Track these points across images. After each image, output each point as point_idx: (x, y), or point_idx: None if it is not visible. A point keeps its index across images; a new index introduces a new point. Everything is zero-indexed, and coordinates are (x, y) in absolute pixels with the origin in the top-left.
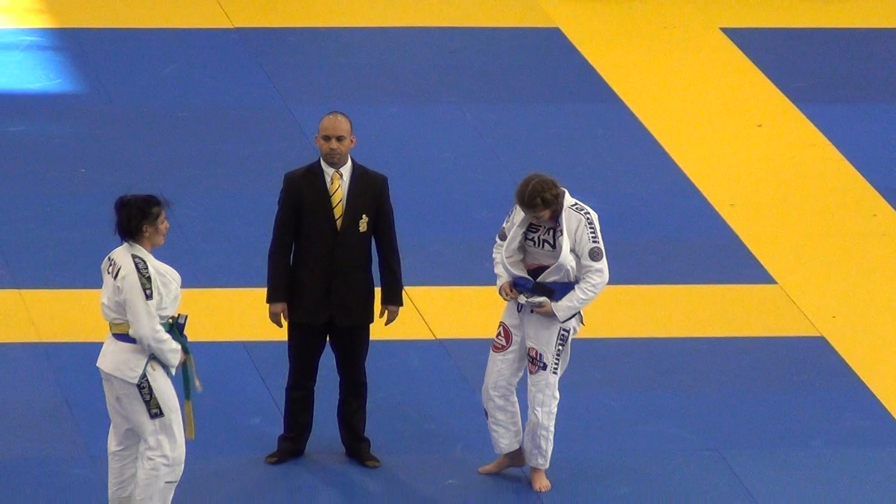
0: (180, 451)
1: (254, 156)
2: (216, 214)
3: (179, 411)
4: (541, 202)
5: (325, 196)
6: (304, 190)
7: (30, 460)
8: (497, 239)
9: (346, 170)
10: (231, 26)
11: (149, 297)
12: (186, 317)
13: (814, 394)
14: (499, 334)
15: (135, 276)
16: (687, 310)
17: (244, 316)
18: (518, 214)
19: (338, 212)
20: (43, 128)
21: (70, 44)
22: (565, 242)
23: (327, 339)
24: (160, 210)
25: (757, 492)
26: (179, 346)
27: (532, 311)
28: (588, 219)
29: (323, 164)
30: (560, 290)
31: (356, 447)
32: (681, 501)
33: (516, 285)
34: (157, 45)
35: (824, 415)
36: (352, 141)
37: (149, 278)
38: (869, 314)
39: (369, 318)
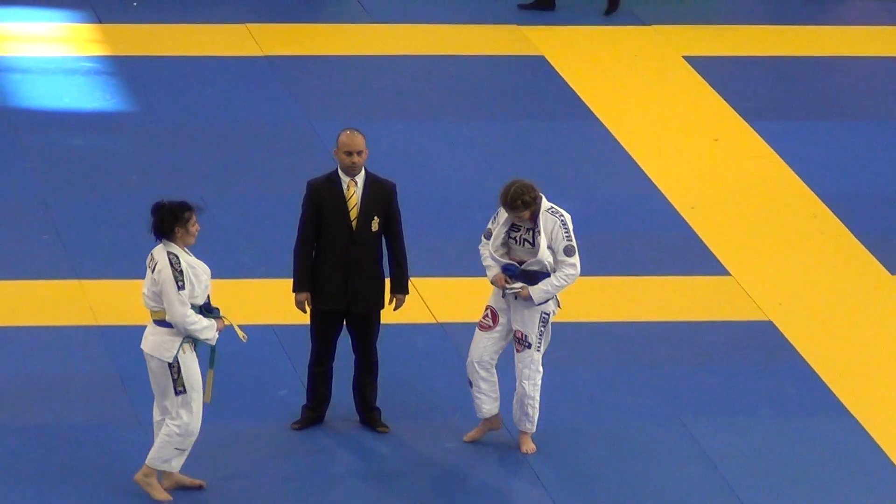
0: (195, 424)
1: (281, 165)
2: (249, 215)
3: (201, 391)
4: (521, 204)
5: (343, 201)
6: (324, 195)
7: (88, 426)
8: (483, 238)
9: (360, 178)
10: (262, 54)
11: (180, 287)
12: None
13: (762, 370)
14: (486, 315)
15: (168, 270)
16: (652, 297)
17: (273, 303)
18: (502, 216)
19: (353, 214)
20: (100, 141)
21: (123, 69)
22: (542, 241)
23: (344, 322)
24: (191, 214)
25: (712, 453)
26: (211, 323)
27: (515, 298)
28: (562, 220)
29: (341, 173)
30: (542, 277)
31: (369, 415)
32: (647, 461)
33: (505, 270)
34: (197, 70)
35: (771, 388)
36: (366, 153)
37: (181, 272)
38: (810, 301)
39: (380, 305)
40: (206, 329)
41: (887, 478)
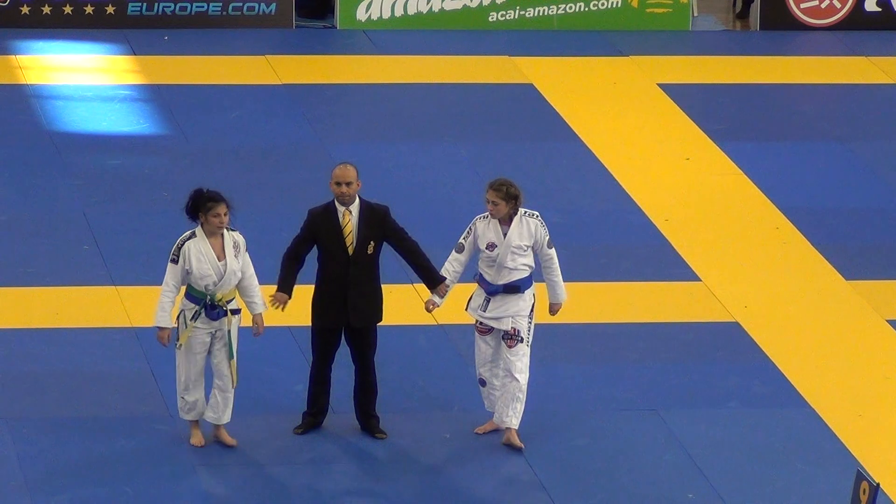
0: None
1: (297, 182)
2: (268, 227)
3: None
4: (505, 190)
5: (339, 230)
6: (321, 224)
7: (123, 418)
8: (454, 251)
9: (355, 207)
10: (280, 83)
11: (173, 261)
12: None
13: (730, 366)
14: (479, 322)
15: (177, 242)
16: (631, 301)
17: (289, 306)
18: (476, 229)
19: (349, 241)
20: (135, 161)
21: (156, 96)
22: (515, 238)
23: (343, 336)
24: (213, 205)
25: (686, 441)
26: (168, 321)
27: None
28: (541, 220)
29: (336, 203)
30: (523, 284)
31: (367, 423)
32: (628, 449)
33: (491, 293)
34: (222, 97)
35: (738, 382)
36: (358, 184)
37: (180, 248)
38: (773, 304)
39: (377, 319)
40: (161, 315)
41: (841, 459)
